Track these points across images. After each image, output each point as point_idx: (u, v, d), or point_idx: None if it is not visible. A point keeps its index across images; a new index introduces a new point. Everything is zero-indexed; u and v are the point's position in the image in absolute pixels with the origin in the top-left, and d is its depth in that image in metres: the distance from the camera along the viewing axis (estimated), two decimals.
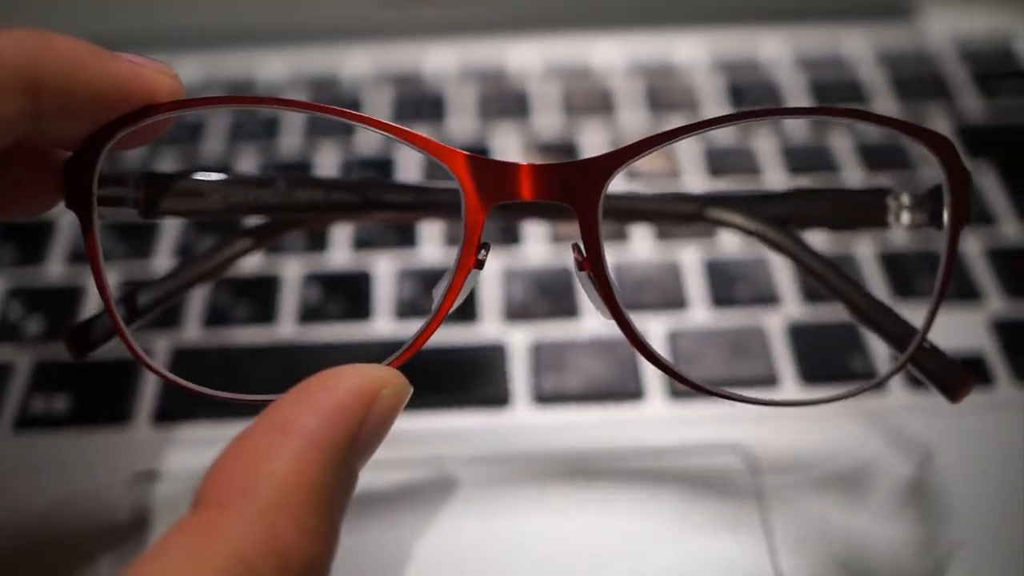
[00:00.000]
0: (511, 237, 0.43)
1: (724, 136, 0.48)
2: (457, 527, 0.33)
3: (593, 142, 0.48)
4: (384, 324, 0.40)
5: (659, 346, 0.38)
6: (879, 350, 0.38)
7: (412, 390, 0.25)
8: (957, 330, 0.39)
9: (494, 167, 0.26)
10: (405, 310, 0.40)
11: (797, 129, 0.48)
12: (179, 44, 0.52)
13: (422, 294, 0.41)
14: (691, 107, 0.49)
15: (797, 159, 0.46)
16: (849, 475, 0.34)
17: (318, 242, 0.43)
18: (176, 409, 0.37)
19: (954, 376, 0.29)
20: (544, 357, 0.38)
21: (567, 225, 0.42)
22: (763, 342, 0.39)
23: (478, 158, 0.26)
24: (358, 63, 0.53)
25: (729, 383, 0.35)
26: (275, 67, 0.52)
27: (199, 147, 0.48)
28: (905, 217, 0.31)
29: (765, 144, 0.47)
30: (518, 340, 0.39)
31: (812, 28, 0.53)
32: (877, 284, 0.41)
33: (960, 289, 0.40)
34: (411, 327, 0.27)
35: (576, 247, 0.27)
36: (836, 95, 0.50)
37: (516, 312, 0.40)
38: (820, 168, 0.46)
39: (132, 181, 0.29)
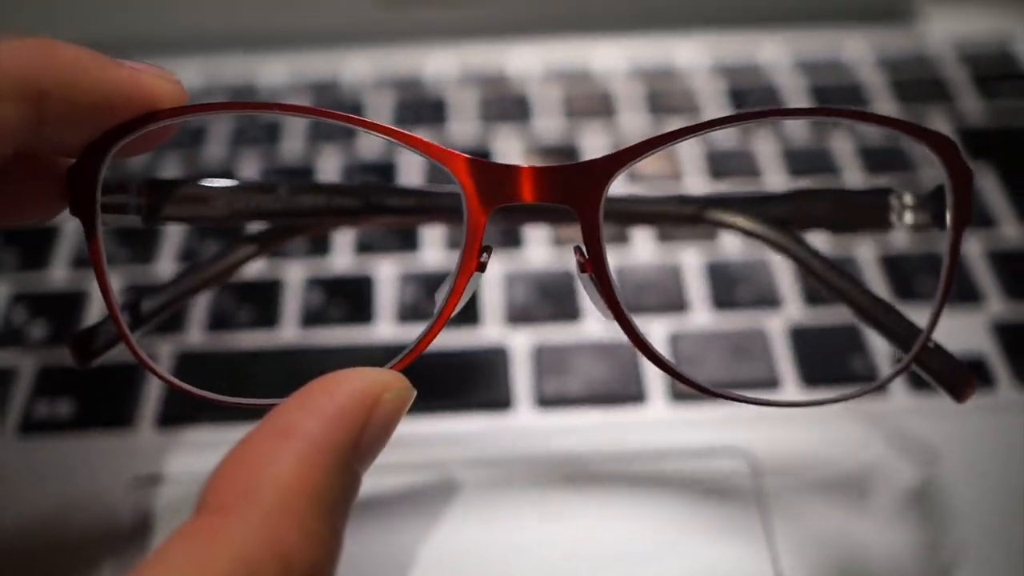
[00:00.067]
0: (512, 240, 0.43)
1: (725, 138, 0.48)
2: (458, 530, 0.33)
3: (594, 145, 0.48)
4: (386, 328, 0.40)
5: (660, 348, 0.38)
6: (880, 352, 0.38)
7: (415, 393, 0.25)
8: (958, 332, 0.39)
9: (495, 170, 0.26)
10: (407, 314, 0.40)
11: (798, 131, 0.48)
12: (180, 48, 0.52)
13: (424, 298, 0.41)
14: (692, 110, 0.50)
15: (798, 161, 0.46)
16: (850, 477, 0.34)
17: (320, 246, 0.43)
18: (179, 413, 0.37)
19: (959, 376, 0.28)
20: (546, 360, 0.38)
21: (568, 228, 0.42)
22: (764, 344, 0.39)
23: (479, 161, 0.26)
24: (359, 67, 0.53)
25: (730, 385, 0.35)
26: (276, 71, 0.53)
27: (201, 152, 0.48)
28: (908, 217, 0.31)
29: (766, 146, 0.47)
30: (520, 343, 0.39)
31: (812, 31, 0.53)
32: (878, 286, 0.41)
33: (961, 291, 0.40)
34: (413, 331, 0.27)
35: (578, 249, 0.27)
36: (836, 98, 0.50)
37: (518, 315, 0.40)
38: (821, 170, 0.46)
39: (135, 188, 0.29)
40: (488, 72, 0.52)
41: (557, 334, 0.39)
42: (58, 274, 0.43)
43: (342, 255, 0.43)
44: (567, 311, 0.40)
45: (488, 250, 0.27)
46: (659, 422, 0.36)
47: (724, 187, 0.45)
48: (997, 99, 0.50)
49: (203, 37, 0.53)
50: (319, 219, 0.32)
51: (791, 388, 0.38)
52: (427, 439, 0.36)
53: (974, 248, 0.42)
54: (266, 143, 0.48)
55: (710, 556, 0.32)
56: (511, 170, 0.26)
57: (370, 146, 0.48)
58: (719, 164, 0.46)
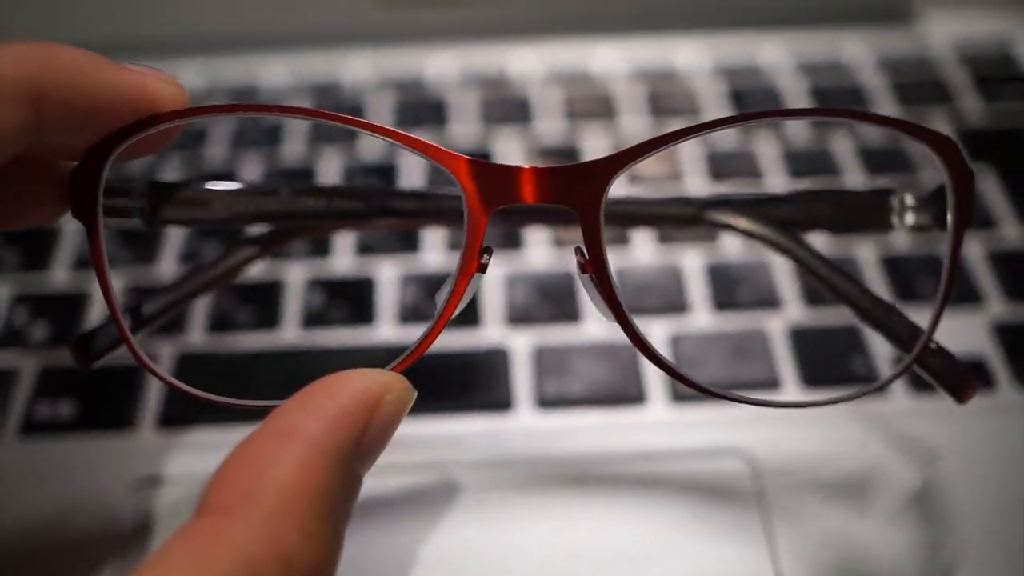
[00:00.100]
0: (513, 242, 0.43)
1: (726, 140, 0.48)
2: (459, 531, 0.33)
3: (595, 147, 0.48)
4: (387, 329, 0.40)
5: (661, 350, 0.38)
6: (880, 353, 0.38)
7: (416, 395, 0.25)
8: (958, 333, 0.39)
9: (496, 171, 0.26)
10: (408, 315, 0.40)
11: (798, 133, 0.48)
12: (181, 50, 0.52)
13: (425, 299, 0.41)
14: (692, 112, 0.50)
15: (798, 163, 0.46)
16: (851, 478, 0.34)
17: (321, 248, 0.43)
18: (180, 414, 0.37)
19: (961, 377, 0.28)
20: (546, 361, 0.38)
21: (569, 230, 0.42)
22: (764, 345, 0.39)
23: (480, 162, 0.26)
24: (359, 68, 0.53)
25: (731, 386, 0.35)
26: (277, 73, 0.53)
27: (202, 154, 0.48)
28: (909, 218, 0.31)
29: (766, 148, 0.47)
30: (520, 345, 0.39)
31: (813, 33, 0.53)
32: (879, 287, 0.41)
33: (961, 292, 0.40)
34: (414, 332, 0.27)
35: (578, 250, 0.27)
36: (837, 100, 0.50)
37: (518, 317, 0.40)
38: (821, 172, 0.46)
39: (137, 191, 0.29)
40: (489, 73, 0.52)
41: (557, 335, 0.39)
42: (59, 275, 0.43)
43: (343, 256, 0.43)
44: (568, 312, 0.40)
45: (489, 251, 0.27)
46: (659, 423, 0.37)
47: (725, 189, 0.45)
48: (997, 101, 0.50)
49: (204, 38, 0.53)
50: (321, 221, 0.32)
51: (791, 389, 0.38)
52: (427, 440, 0.36)
53: (975, 249, 0.42)
54: (267, 145, 0.48)
55: (710, 557, 0.32)
56: (511, 171, 0.26)
57: (371, 148, 0.48)
58: (720, 165, 0.46)
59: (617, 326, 0.27)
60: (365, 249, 0.43)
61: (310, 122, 0.49)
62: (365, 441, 0.24)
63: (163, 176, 0.47)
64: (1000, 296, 0.40)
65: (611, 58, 0.53)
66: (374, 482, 0.25)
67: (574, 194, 0.26)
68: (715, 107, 0.50)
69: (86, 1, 0.52)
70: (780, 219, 0.32)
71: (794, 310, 0.40)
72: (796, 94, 0.50)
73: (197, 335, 0.40)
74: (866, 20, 0.54)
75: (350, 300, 0.41)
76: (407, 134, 0.26)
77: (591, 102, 0.50)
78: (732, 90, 0.51)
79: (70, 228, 0.44)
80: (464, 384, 0.38)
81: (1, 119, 0.24)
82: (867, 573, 0.32)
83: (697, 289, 0.41)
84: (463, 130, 0.49)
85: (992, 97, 0.50)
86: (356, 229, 0.42)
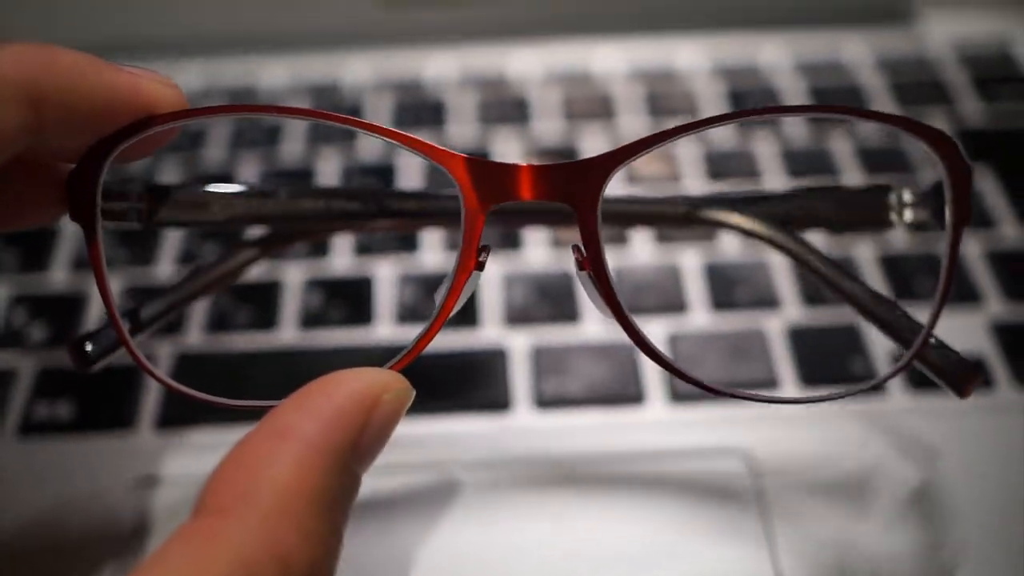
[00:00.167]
0: (511, 242, 0.43)
1: (724, 139, 0.48)
2: (457, 531, 0.33)
3: (594, 147, 0.48)
4: (385, 329, 0.40)
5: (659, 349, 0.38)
6: (878, 352, 0.38)
7: (414, 394, 0.25)
8: (957, 333, 0.38)
9: (493, 168, 0.26)
10: (406, 315, 0.40)
11: (797, 132, 0.48)
12: (180, 51, 0.52)
13: (423, 299, 0.41)
14: (691, 112, 0.50)
15: (796, 162, 0.46)
16: (850, 478, 0.34)
17: (319, 248, 0.43)
18: (179, 415, 0.37)
19: (962, 371, 0.28)
20: (545, 361, 0.38)
21: (567, 230, 0.42)
22: (763, 345, 0.39)
23: (477, 160, 0.26)
24: (359, 69, 0.53)
25: (729, 385, 0.35)
26: (276, 74, 0.53)
27: (201, 155, 0.48)
28: (908, 215, 0.31)
29: (765, 148, 0.47)
30: (519, 344, 0.39)
31: (812, 33, 0.53)
32: (877, 286, 0.40)
33: (960, 292, 0.40)
34: (412, 332, 0.27)
35: (576, 248, 0.27)
36: (836, 99, 0.50)
37: (517, 316, 0.40)
38: (819, 171, 0.46)
39: (135, 193, 0.29)
40: (488, 74, 0.52)
41: (556, 335, 0.39)
42: (58, 276, 0.43)
43: (341, 256, 0.43)
44: (566, 312, 0.40)
45: (486, 249, 0.27)
46: (658, 423, 0.36)
47: (723, 188, 0.45)
48: (997, 101, 0.50)
49: (203, 39, 0.53)
50: (320, 223, 0.32)
51: (790, 388, 0.38)
52: (426, 440, 0.36)
53: (973, 249, 0.42)
54: (266, 145, 0.48)
55: (710, 557, 0.32)
56: (508, 169, 0.26)
57: (369, 148, 0.48)
58: (718, 165, 0.46)
59: (615, 324, 0.27)
60: (363, 249, 0.43)
61: (308, 123, 0.49)
62: (363, 441, 0.23)
63: (162, 177, 0.47)
64: (999, 296, 0.40)
65: (610, 58, 0.53)
66: (372, 482, 0.25)
67: (571, 191, 0.26)
68: (714, 107, 0.50)
69: (86, 1, 0.52)
70: (778, 217, 0.32)
71: (792, 310, 0.40)
72: (795, 94, 0.50)
73: (195, 335, 0.40)
74: (865, 20, 0.54)
75: (348, 300, 0.41)
76: (404, 133, 0.26)
77: (590, 102, 0.50)
78: (731, 90, 0.51)
79: (69, 229, 0.44)
80: (462, 384, 0.38)
81: (1, 119, 0.24)
82: (867, 572, 0.32)
83: (695, 289, 0.41)
84: (461, 131, 0.49)
85: (991, 97, 0.50)
86: (356, 231, 0.42)
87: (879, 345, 0.38)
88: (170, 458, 0.36)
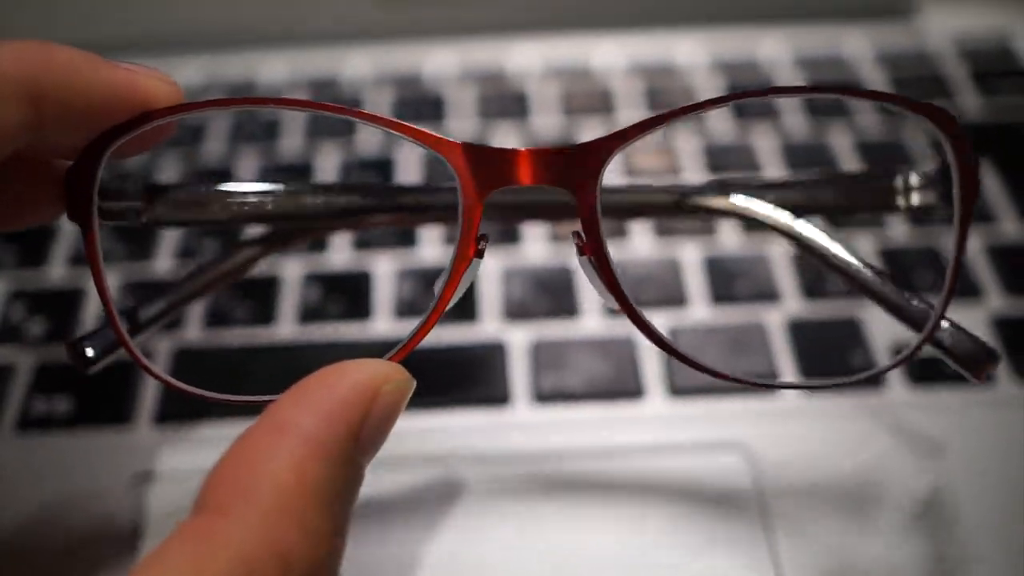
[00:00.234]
0: (510, 237, 0.43)
1: (723, 133, 0.48)
2: (455, 527, 0.33)
3: None
4: (384, 323, 0.40)
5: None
6: (879, 346, 0.38)
7: (415, 384, 0.25)
8: None
9: (490, 154, 0.26)
10: (405, 309, 0.40)
11: (796, 125, 0.48)
12: (179, 47, 0.52)
13: (422, 293, 0.41)
14: None
15: (796, 156, 0.46)
16: (850, 474, 0.34)
17: (318, 242, 0.43)
18: (177, 410, 0.37)
19: (976, 353, 0.28)
20: (543, 356, 0.38)
21: (565, 225, 0.42)
22: (763, 338, 0.39)
23: (474, 146, 0.26)
24: (358, 65, 0.53)
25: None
26: (275, 69, 0.53)
27: (200, 150, 0.48)
28: (915, 198, 0.30)
29: (764, 141, 0.47)
30: (518, 339, 0.39)
31: (811, 28, 0.53)
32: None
33: (961, 286, 0.40)
34: (411, 326, 0.27)
35: (576, 234, 0.27)
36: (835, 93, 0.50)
37: (515, 311, 0.40)
38: (819, 164, 0.46)
39: (133, 192, 0.29)
40: (487, 69, 0.52)
41: (555, 329, 0.39)
42: (56, 271, 0.42)
43: (340, 251, 0.43)
44: (565, 306, 0.40)
45: (485, 238, 0.27)
46: (658, 417, 0.36)
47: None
48: (997, 95, 0.49)
49: (203, 35, 0.53)
50: (320, 221, 0.32)
51: (789, 381, 0.37)
52: (425, 434, 0.36)
53: (974, 243, 0.42)
54: (265, 140, 0.48)
55: (710, 554, 0.32)
56: (506, 154, 0.26)
57: (368, 142, 0.48)
58: (717, 158, 0.46)
59: (615, 316, 0.27)
60: (362, 244, 0.43)
61: (307, 117, 0.49)
62: (365, 433, 0.23)
63: (161, 172, 0.47)
64: (999, 290, 0.40)
65: (609, 53, 0.53)
66: (369, 477, 0.25)
67: (570, 175, 0.26)
68: None
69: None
70: (784, 204, 0.31)
71: (792, 303, 0.40)
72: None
73: (194, 330, 0.40)
74: (865, 15, 0.54)
75: (347, 295, 0.41)
76: (400, 122, 0.26)
77: (589, 97, 0.50)
78: (731, 85, 0.51)
79: (67, 224, 0.44)
80: (461, 378, 0.38)
81: (1, 116, 0.24)
82: (867, 569, 0.32)
83: (695, 282, 0.41)
84: (461, 125, 0.49)
85: (991, 91, 0.50)
86: (357, 228, 0.42)
87: (879, 338, 0.38)
88: (169, 453, 0.36)
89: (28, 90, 0.24)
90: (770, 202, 0.31)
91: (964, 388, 0.37)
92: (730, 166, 0.46)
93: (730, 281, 0.41)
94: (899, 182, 0.30)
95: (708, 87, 0.50)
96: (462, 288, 0.26)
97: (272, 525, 0.21)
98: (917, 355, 0.28)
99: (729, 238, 0.42)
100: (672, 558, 0.32)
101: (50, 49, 0.24)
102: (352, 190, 0.32)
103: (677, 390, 0.37)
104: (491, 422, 0.37)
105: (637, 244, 0.42)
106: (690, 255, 0.42)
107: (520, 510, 0.33)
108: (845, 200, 0.32)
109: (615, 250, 0.41)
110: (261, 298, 0.41)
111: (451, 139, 0.26)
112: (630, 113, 0.49)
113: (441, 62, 0.53)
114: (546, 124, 0.49)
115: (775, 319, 0.39)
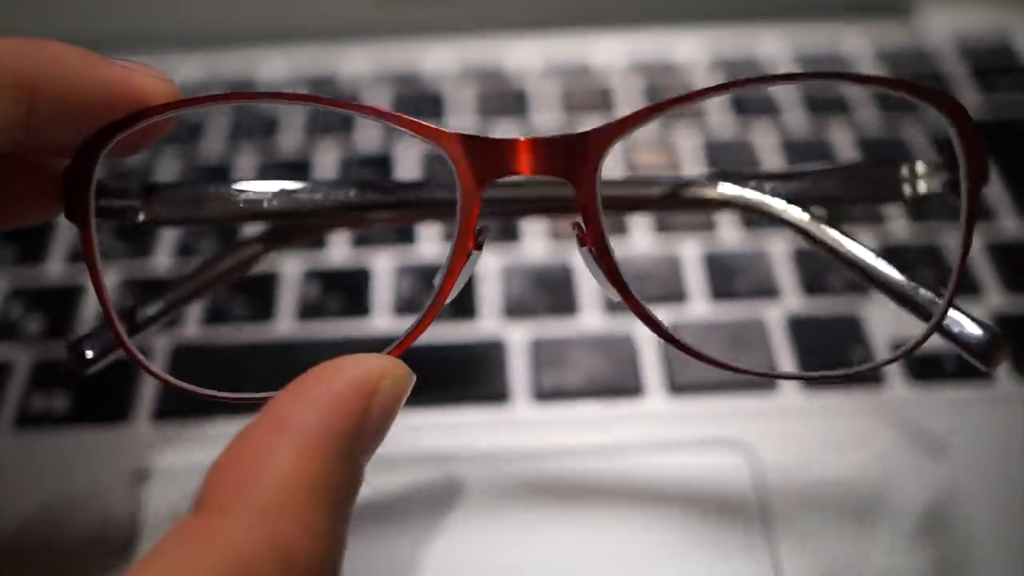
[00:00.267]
0: (510, 234, 0.43)
1: (723, 130, 0.48)
2: (454, 525, 0.33)
3: None
4: (383, 320, 0.40)
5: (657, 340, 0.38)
6: (879, 342, 0.38)
7: (415, 379, 0.25)
8: None
9: (489, 144, 0.26)
10: (404, 306, 0.40)
11: (796, 122, 0.48)
12: (178, 44, 0.52)
13: (421, 290, 0.40)
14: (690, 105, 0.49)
15: (796, 152, 0.46)
16: (850, 472, 0.34)
17: (317, 239, 0.43)
18: (176, 407, 0.37)
19: (987, 340, 0.27)
20: (543, 353, 0.38)
21: (565, 221, 0.42)
22: (763, 335, 0.38)
23: (472, 136, 0.26)
24: (357, 62, 0.53)
25: (728, 377, 0.34)
26: (274, 67, 0.52)
27: (198, 147, 0.48)
28: (921, 186, 0.30)
29: (765, 138, 0.47)
30: (517, 337, 0.39)
31: (811, 26, 0.53)
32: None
33: (960, 284, 0.40)
34: (410, 323, 0.27)
35: (576, 224, 0.27)
36: (835, 91, 0.49)
37: (515, 309, 0.40)
38: (819, 160, 0.46)
39: (131, 192, 0.29)
40: (486, 67, 0.52)
41: (554, 327, 0.39)
42: (54, 269, 0.42)
43: (339, 248, 0.43)
44: (564, 304, 0.40)
45: (484, 231, 0.26)
46: (657, 415, 0.36)
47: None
48: (996, 93, 0.49)
49: (202, 33, 0.53)
50: (319, 219, 0.32)
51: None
52: (424, 432, 0.36)
53: (974, 241, 0.41)
54: (263, 137, 0.48)
55: (709, 552, 0.32)
56: (504, 143, 0.26)
57: (367, 138, 0.48)
58: (718, 155, 0.46)
59: (615, 312, 0.27)
60: (361, 240, 0.43)
61: (306, 114, 0.49)
62: (364, 428, 0.23)
63: (160, 171, 0.47)
64: (999, 287, 0.40)
65: (609, 51, 0.53)
66: (368, 475, 0.24)
67: (570, 164, 0.26)
68: (713, 99, 0.50)
69: None
70: (790, 196, 0.30)
71: (792, 299, 0.40)
72: (795, 86, 0.50)
73: (192, 327, 0.40)
74: (865, 13, 0.54)
75: (346, 291, 0.41)
76: (398, 114, 0.26)
77: (589, 95, 0.50)
78: (731, 82, 0.50)
79: (65, 222, 0.43)
80: (461, 376, 0.38)
81: None
82: (867, 568, 0.32)
83: (695, 278, 0.41)
84: (460, 123, 0.49)
85: (991, 89, 0.50)
86: (357, 225, 0.41)
87: (879, 335, 0.38)
88: (167, 451, 0.35)
89: (23, 86, 0.24)
90: (774, 193, 0.31)
91: (964, 386, 0.37)
92: (730, 163, 0.46)
93: (730, 277, 0.41)
94: (904, 171, 0.30)
95: (708, 84, 0.50)
96: (461, 281, 0.26)
97: (272, 522, 0.21)
98: (922, 344, 0.28)
99: (729, 234, 0.42)
100: (671, 556, 0.32)
101: (45, 45, 0.24)
102: (351, 187, 0.32)
103: (677, 388, 0.37)
104: (491, 420, 0.36)
105: (637, 240, 0.42)
106: (690, 251, 0.42)
107: (519, 508, 0.33)
108: (850, 189, 0.31)
109: (615, 246, 0.41)
110: (260, 295, 0.41)
111: (448, 131, 0.26)
112: (630, 111, 0.49)
113: (440, 60, 0.53)
114: (546, 121, 0.49)
115: (775, 315, 0.39)
